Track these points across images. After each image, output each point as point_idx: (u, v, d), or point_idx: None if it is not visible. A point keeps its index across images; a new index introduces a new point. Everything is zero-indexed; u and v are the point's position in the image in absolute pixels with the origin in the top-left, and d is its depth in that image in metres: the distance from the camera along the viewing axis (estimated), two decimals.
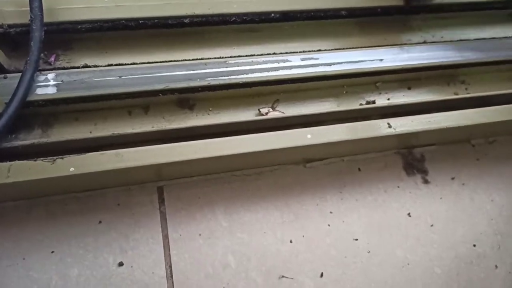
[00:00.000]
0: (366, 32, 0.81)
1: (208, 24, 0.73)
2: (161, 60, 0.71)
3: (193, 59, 0.72)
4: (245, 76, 0.71)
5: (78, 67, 0.68)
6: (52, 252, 0.67)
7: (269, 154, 0.70)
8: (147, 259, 0.69)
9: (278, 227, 0.74)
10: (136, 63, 0.70)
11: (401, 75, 0.80)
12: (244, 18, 0.73)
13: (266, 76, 0.72)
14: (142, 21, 0.70)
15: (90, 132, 0.68)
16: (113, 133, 0.66)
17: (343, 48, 0.77)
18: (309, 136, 0.68)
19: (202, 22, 0.72)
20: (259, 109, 0.74)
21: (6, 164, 0.60)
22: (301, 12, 0.76)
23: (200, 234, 0.72)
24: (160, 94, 0.69)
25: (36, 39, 0.62)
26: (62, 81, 0.65)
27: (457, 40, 0.84)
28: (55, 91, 0.65)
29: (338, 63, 0.74)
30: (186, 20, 0.71)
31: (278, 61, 0.73)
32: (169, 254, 0.70)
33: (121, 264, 0.68)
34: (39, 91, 0.64)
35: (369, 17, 0.81)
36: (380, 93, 0.80)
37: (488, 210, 0.82)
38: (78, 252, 0.68)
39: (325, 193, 0.78)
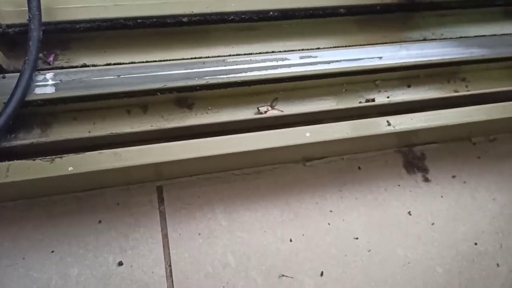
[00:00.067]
0: (365, 30, 0.81)
1: (206, 23, 0.73)
2: (160, 59, 0.71)
3: (191, 58, 0.72)
4: (243, 74, 0.71)
5: (77, 67, 0.69)
6: (52, 251, 0.67)
7: (268, 152, 0.70)
8: (146, 259, 0.69)
9: (278, 226, 0.74)
10: (135, 62, 0.70)
11: (400, 73, 0.79)
12: (242, 16, 0.73)
13: (265, 74, 0.72)
14: (140, 20, 0.70)
15: (89, 132, 0.68)
16: (111, 133, 0.66)
17: (342, 46, 0.77)
18: (307, 134, 0.68)
19: (200, 21, 0.72)
20: (258, 108, 0.74)
21: (5, 163, 0.60)
22: (300, 10, 0.76)
23: (199, 233, 0.72)
24: (159, 93, 0.69)
25: (34, 39, 0.62)
26: (60, 80, 0.65)
27: (457, 37, 0.83)
28: (54, 90, 0.65)
29: (337, 61, 0.74)
30: (184, 19, 0.71)
31: (276, 60, 0.73)
32: (169, 254, 0.70)
33: (120, 263, 0.68)
34: (38, 90, 0.64)
35: (368, 14, 0.80)
36: (380, 91, 0.80)
37: (489, 208, 0.81)
38: (78, 252, 0.68)
39: (325, 191, 0.78)
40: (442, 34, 0.84)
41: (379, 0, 0.79)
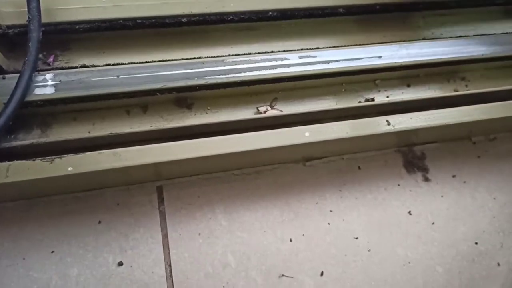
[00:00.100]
0: (364, 30, 0.81)
1: (206, 23, 0.73)
2: (159, 59, 0.72)
3: (190, 58, 0.72)
4: (243, 74, 0.71)
5: (76, 67, 0.69)
6: (52, 252, 0.67)
7: (268, 152, 0.70)
8: (146, 259, 0.69)
9: (278, 226, 0.74)
10: (134, 63, 0.70)
11: (400, 72, 0.79)
12: (241, 16, 0.74)
13: (264, 74, 0.72)
14: (140, 21, 0.70)
15: (89, 132, 0.68)
16: (111, 133, 0.66)
17: (341, 46, 0.77)
18: (307, 134, 0.68)
19: (200, 21, 0.72)
20: (257, 108, 0.74)
21: (5, 164, 0.60)
22: (299, 10, 0.76)
23: (199, 234, 0.72)
24: (158, 93, 0.69)
25: (34, 40, 0.63)
26: (60, 81, 0.66)
27: (457, 37, 0.83)
28: (53, 91, 0.65)
29: (336, 60, 0.74)
30: (184, 19, 0.71)
31: (276, 59, 0.73)
32: (169, 254, 0.70)
33: (120, 263, 0.68)
34: (38, 91, 0.65)
35: (367, 14, 0.80)
36: (379, 91, 0.79)
37: (490, 207, 0.81)
38: (78, 252, 0.68)
39: (325, 191, 0.78)
40: (441, 34, 0.84)
41: (378, 0, 0.79)
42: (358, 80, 0.78)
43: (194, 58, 0.72)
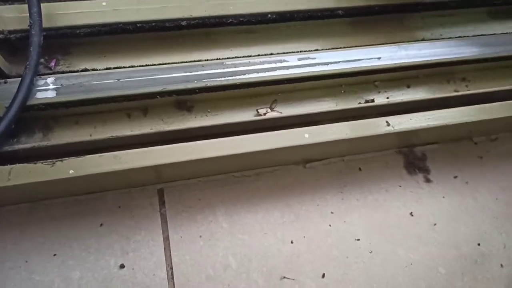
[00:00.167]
0: (363, 31, 0.81)
1: (205, 26, 0.73)
2: (159, 62, 0.72)
3: (190, 61, 0.72)
4: (242, 77, 0.71)
5: (77, 71, 0.69)
6: (54, 254, 0.68)
7: (268, 154, 0.70)
8: (148, 261, 0.69)
9: (279, 228, 0.74)
10: (134, 66, 0.71)
11: (399, 73, 0.79)
12: (240, 19, 0.74)
13: (264, 76, 0.72)
14: (140, 25, 0.71)
15: (90, 135, 0.69)
16: (111, 136, 0.67)
17: (340, 48, 0.77)
18: (306, 135, 0.68)
19: (199, 25, 0.73)
20: (257, 110, 0.74)
21: (7, 167, 0.61)
22: (298, 12, 0.76)
23: (200, 236, 0.72)
24: (158, 96, 0.69)
25: (35, 44, 0.63)
26: (61, 85, 0.66)
27: (456, 37, 0.83)
28: (55, 95, 0.66)
29: (335, 62, 0.74)
30: (183, 23, 0.72)
31: (275, 62, 0.73)
32: (170, 256, 0.70)
33: (122, 266, 0.68)
34: (39, 95, 0.65)
35: (366, 16, 0.80)
36: (379, 92, 0.80)
37: (492, 208, 0.81)
38: (80, 255, 0.68)
39: (326, 193, 0.77)
40: (441, 34, 0.84)
41: (377, 1, 0.79)
42: (357, 81, 0.78)
43: (194, 61, 0.72)
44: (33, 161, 0.61)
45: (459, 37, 0.83)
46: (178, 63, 0.72)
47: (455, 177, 0.82)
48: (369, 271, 0.73)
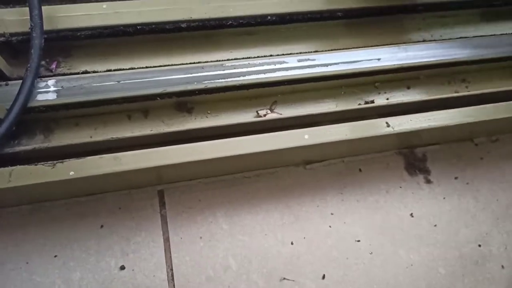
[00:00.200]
0: (363, 33, 0.81)
1: (205, 28, 0.74)
2: (159, 64, 0.72)
3: (190, 63, 0.72)
4: (242, 78, 0.71)
5: (78, 73, 0.70)
6: (55, 256, 0.68)
7: (268, 155, 0.70)
8: (148, 262, 0.69)
9: (279, 229, 0.74)
10: (135, 68, 0.71)
11: (399, 74, 0.79)
12: (240, 21, 0.74)
13: (263, 78, 0.72)
14: (140, 27, 0.71)
15: (91, 137, 0.69)
16: (112, 137, 0.67)
17: (340, 49, 0.77)
18: (306, 136, 0.68)
19: (199, 27, 0.73)
20: (257, 111, 0.75)
21: (8, 169, 0.61)
22: (297, 14, 0.76)
23: (201, 237, 0.72)
24: (159, 98, 0.70)
25: (36, 47, 0.64)
26: (62, 87, 0.67)
27: (457, 38, 0.83)
28: (55, 97, 0.66)
29: (335, 63, 0.74)
30: (183, 25, 0.72)
31: (274, 63, 0.73)
32: (170, 257, 0.70)
33: (122, 267, 0.68)
34: (40, 97, 0.66)
35: (365, 17, 0.80)
36: (379, 93, 0.79)
37: (493, 209, 0.81)
38: (80, 256, 0.68)
39: (326, 194, 0.77)
40: (441, 36, 0.84)
41: (376, 3, 0.79)
42: (357, 82, 0.78)
43: (194, 63, 0.73)
44: (33, 163, 0.62)
45: (459, 38, 0.83)
46: (179, 65, 0.72)
47: (456, 178, 0.82)
48: (370, 272, 0.73)
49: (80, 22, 0.69)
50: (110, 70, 0.70)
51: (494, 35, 0.84)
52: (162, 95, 0.69)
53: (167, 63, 0.72)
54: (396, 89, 0.80)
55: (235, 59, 0.74)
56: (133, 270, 0.69)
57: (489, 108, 0.75)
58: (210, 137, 0.68)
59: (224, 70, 0.71)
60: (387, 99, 0.79)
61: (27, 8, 0.64)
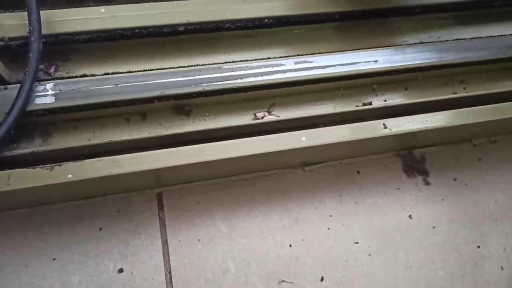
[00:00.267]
0: (360, 35, 0.81)
1: (202, 32, 0.74)
2: (157, 67, 0.72)
3: (188, 66, 0.73)
4: (240, 81, 0.71)
5: (76, 77, 0.70)
6: (54, 259, 0.68)
7: (266, 158, 0.70)
8: (147, 265, 0.69)
9: (278, 231, 0.74)
10: (132, 71, 0.71)
11: (397, 76, 0.79)
12: (238, 24, 0.74)
13: (261, 80, 0.72)
14: (138, 30, 0.71)
15: (89, 140, 0.69)
16: (110, 140, 0.67)
17: (337, 51, 0.77)
18: (304, 138, 0.68)
19: (197, 30, 0.73)
20: (255, 114, 0.75)
21: (7, 172, 0.61)
22: (295, 17, 0.76)
23: (199, 240, 0.72)
24: (156, 101, 0.70)
25: (34, 51, 0.64)
26: (60, 90, 0.67)
27: (454, 40, 0.83)
28: (54, 100, 0.66)
29: (332, 65, 0.74)
30: (181, 28, 0.72)
31: (272, 66, 0.73)
32: (169, 260, 0.70)
33: (121, 270, 0.68)
34: (38, 100, 0.66)
35: (363, 19, 0.81)
36: (377, 95, 0.80)
37: (492, 210, 0.80)
38: (79, 259, 0.68)
39: (324, 196, 0.78)
40: (439, 37, 0.84)
41: (373, 5, 0.79)
42: (355, 84, 0.78)
43: (192, 65, 0.73)
44: (32, 166, 0.62)
45: (457, 39, 0.83)
46: (176, 68, 0.72)
47: (455, 179, 0.82)
48: (368, 274, 0.73)
49: (78, 26, 0.69)
50: (108, 74, 0.71)
51: (492, 36, 0.84)
52: (160, 98, 0.70)
53: (165, 66, 0.73)
54: (394, 91, 0.80)
55: (232, 61, 0.75)
56: (131, 273, 0.69)
57: (487, 109, 0.75)
58: (208, 140, 0.68)
59: (221, 72, 0.72)
60: (385, 100, 0.79)
61: (26, 13, 0.65)
